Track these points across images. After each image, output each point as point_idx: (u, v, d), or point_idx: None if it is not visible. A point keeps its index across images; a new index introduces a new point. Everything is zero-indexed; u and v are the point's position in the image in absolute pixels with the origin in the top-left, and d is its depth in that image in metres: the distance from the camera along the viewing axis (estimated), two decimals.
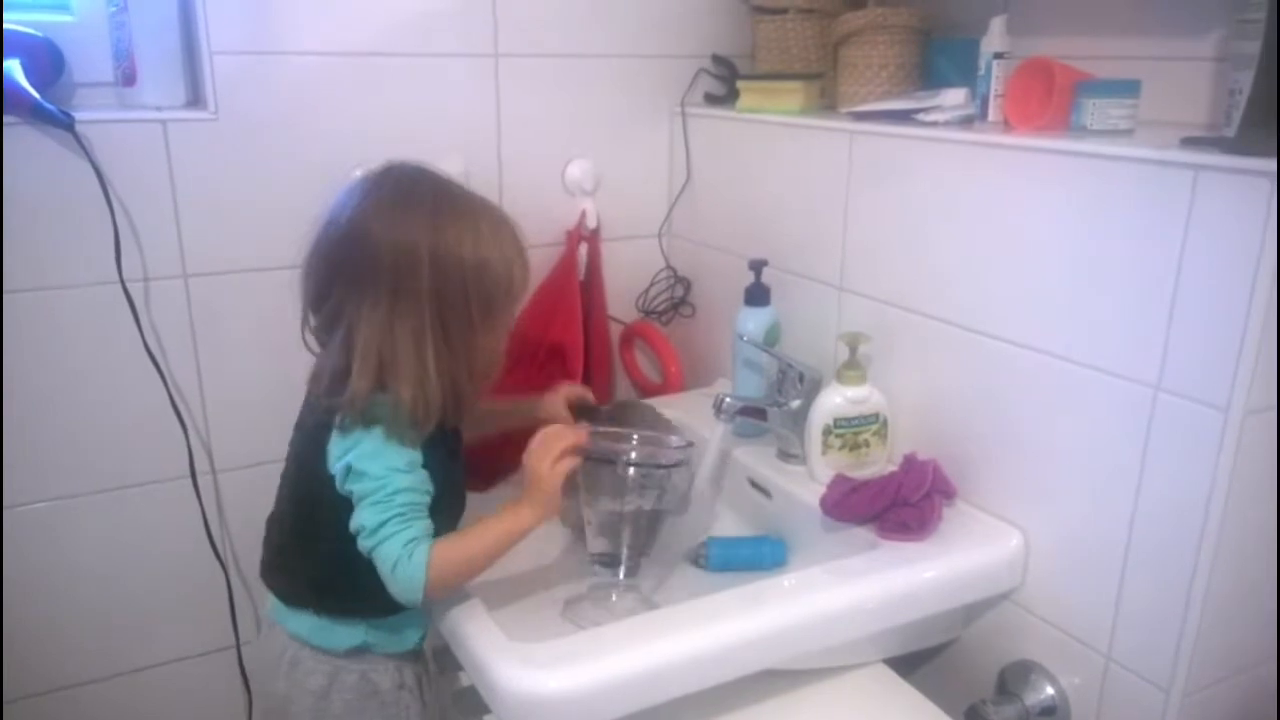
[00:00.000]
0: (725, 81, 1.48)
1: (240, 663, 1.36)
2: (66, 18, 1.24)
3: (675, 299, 1.56)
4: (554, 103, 1.42)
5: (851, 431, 1.15)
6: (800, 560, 1.04)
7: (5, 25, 1.16)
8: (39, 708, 1.28)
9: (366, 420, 0.89)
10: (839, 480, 1.12)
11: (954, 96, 1.12)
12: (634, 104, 1.47)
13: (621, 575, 1.07)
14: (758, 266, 1.27)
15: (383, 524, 0.89)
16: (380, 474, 0.89)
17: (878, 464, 1.17)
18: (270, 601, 1.04)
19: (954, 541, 1.04)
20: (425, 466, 0.92)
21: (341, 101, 1.27)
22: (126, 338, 1.20)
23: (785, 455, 1.24)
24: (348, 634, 0.99)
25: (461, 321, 0.91)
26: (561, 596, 1.08)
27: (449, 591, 0.94)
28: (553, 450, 0.96)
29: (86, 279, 1.17)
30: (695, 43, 1.47)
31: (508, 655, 0.87)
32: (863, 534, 1.07)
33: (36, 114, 1.09)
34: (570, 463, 0.97)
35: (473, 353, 0.93)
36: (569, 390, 1.19)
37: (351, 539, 0.91)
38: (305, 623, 1.00)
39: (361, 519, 0.90)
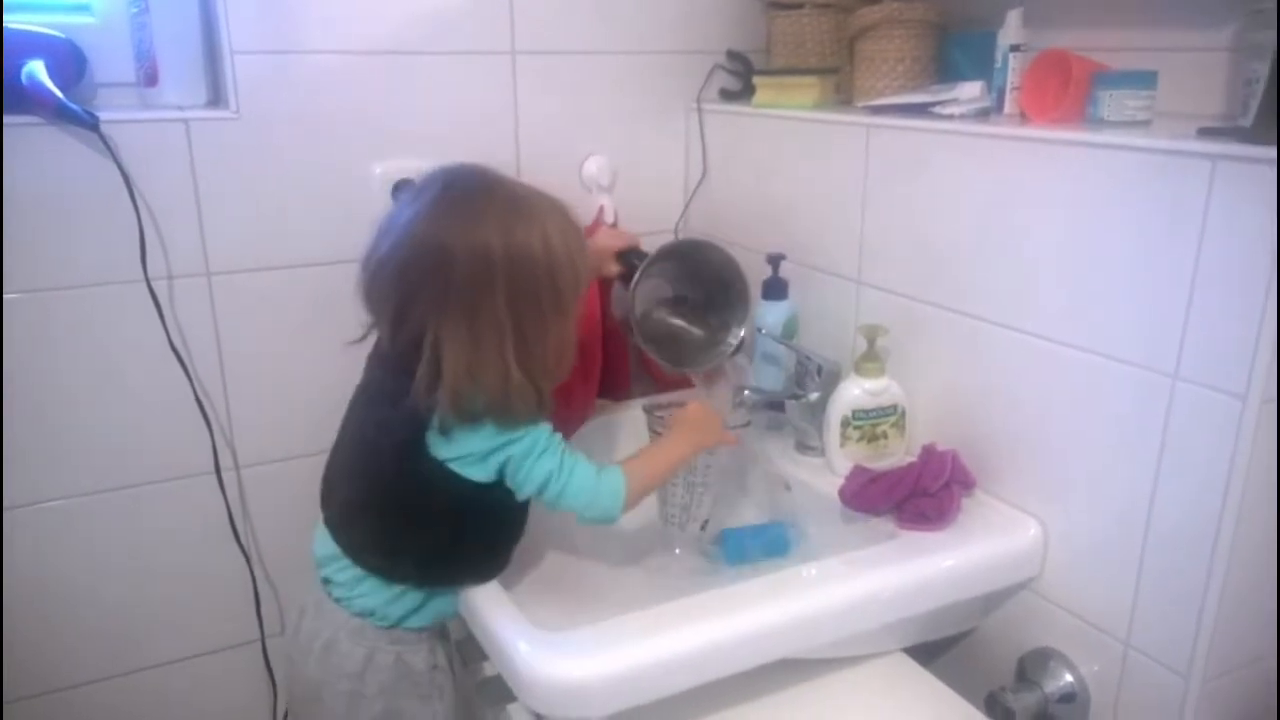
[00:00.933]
0: (741, 77, 1.48)
1: (265, 656, 1.38)
2: (88, 19, 1.26)
3: None
4: (571, 99, 1.43)
5: (870, 423, 1.16)
6: (820, 551, 1.05)
7: (28, 27, 1.17)
8: (65, 701, 1.30)
9: (474, 417, 0.93)
10: (857, 471, 1.13)
11: (970, 90, 1.13)
12: (650, 100, 1.48)
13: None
14: (775, 260, 1.28)
15: (561, 462, 0.97)
16: (521, 433, 0.95)
17: (896, 455, 1.18)
18: (315, 587, 1.06)
19: (973, 531, 1.05)
20: None
21: (361, 99, 1.29)
22: (152, 335, 1.21)
23: (804, 447, 1.25)
24: (434, 608, 1.03)
25: (536, 318, 0.94)
26: (584, 582, 1.09)
27: (637, 502, 1.02)
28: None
29: (112, 277, 1.19)
30: (711, 38, 1.48)
31: (533, 642, 0.88)
32: (882, 524, 1.08)
33: (61, 114, 1.11)
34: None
35: (548, 346, 0.96)
36: (611, 239, 1.25)
37: (464, 515, 0.98)
38: (371, 599, 1.01)
39: (541, 470, 0.96)
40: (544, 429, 0.97)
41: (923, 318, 1.16)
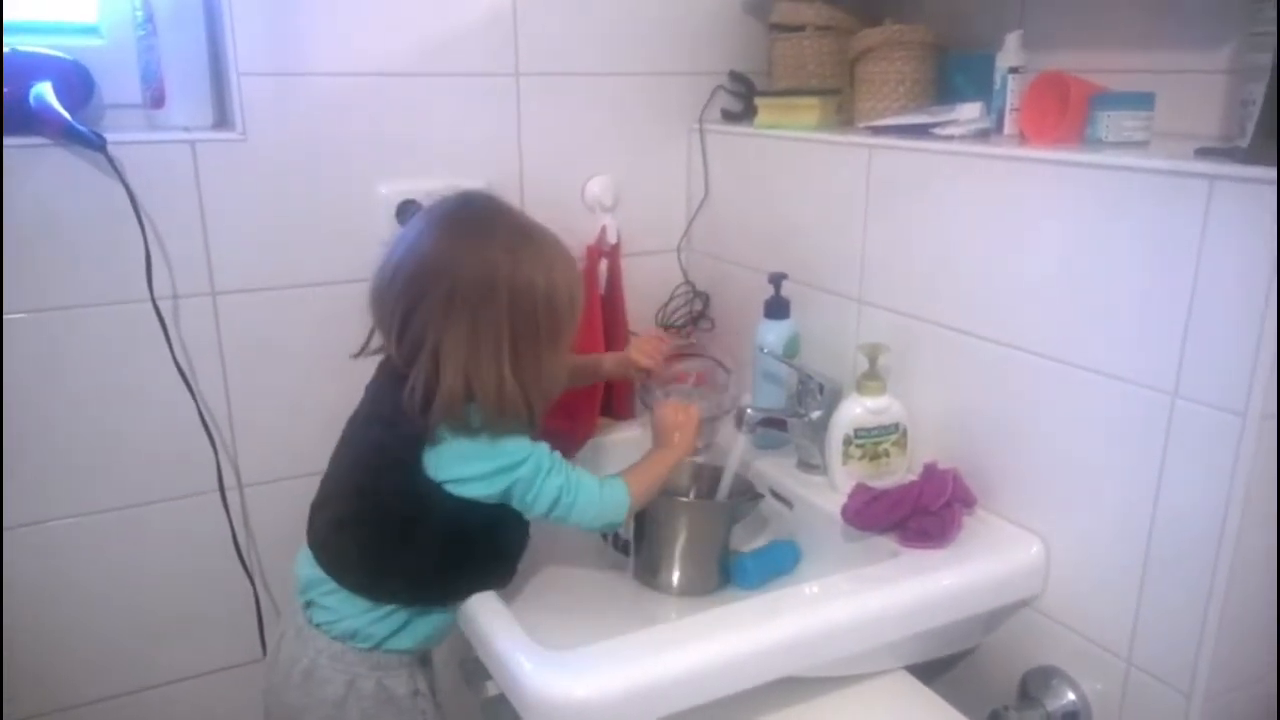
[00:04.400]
0: (742, 98, 1.50)
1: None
2: (97, 41, 1.27)
3: (694, 313, 1.58)
4: (574, 120, 1.44)
5: (872, 441, 1.16)
6: (822, 569, 1.05)
7: (37, 49, 1.19)
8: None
9: (470, 430, 0.96)
10: (860, 489, 1.14)
11: (970, 111, 1.14)
12: (653, 121, 1.49)
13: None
14: (777, 280, 1.28)
15: (567, 479, 1.00)
16: (519, 457, 0.98)
17: (898, 473, 1.18)
18: (295, 612, 1.06)
19: (974, 549, 1.05)
20: None
21: (366, 121, 1.30)
22: (157, 354, 1.22)
23: (806, 466, 1.25)
24: (420, 629, 1.04)
25: (532, 343, 0.97)
26: (586, 603, 1.09)
27: (640, 508, 1.08)
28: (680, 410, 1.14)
29: (118, 297, 1.19)
30: (713, 60, 1.49)
31: (537, 661, 0.88)
32: (884, 543, 1.08)
33: (69, 135, 1.12)
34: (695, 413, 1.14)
35: (541, 371, 0.99)
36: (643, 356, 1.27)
37: (456, 535, 0.99)
38: (378, 623, 1.02)
39: (548, 490, 0.99)
40: (543, 449, 1.00)
41: (923, 336, 1.16)
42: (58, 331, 1.18)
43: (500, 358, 0.95)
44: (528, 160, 1.42)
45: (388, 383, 1.01)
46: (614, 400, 1.49)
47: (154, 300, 1.19)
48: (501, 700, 0.95)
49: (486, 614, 0.98)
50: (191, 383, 1.25)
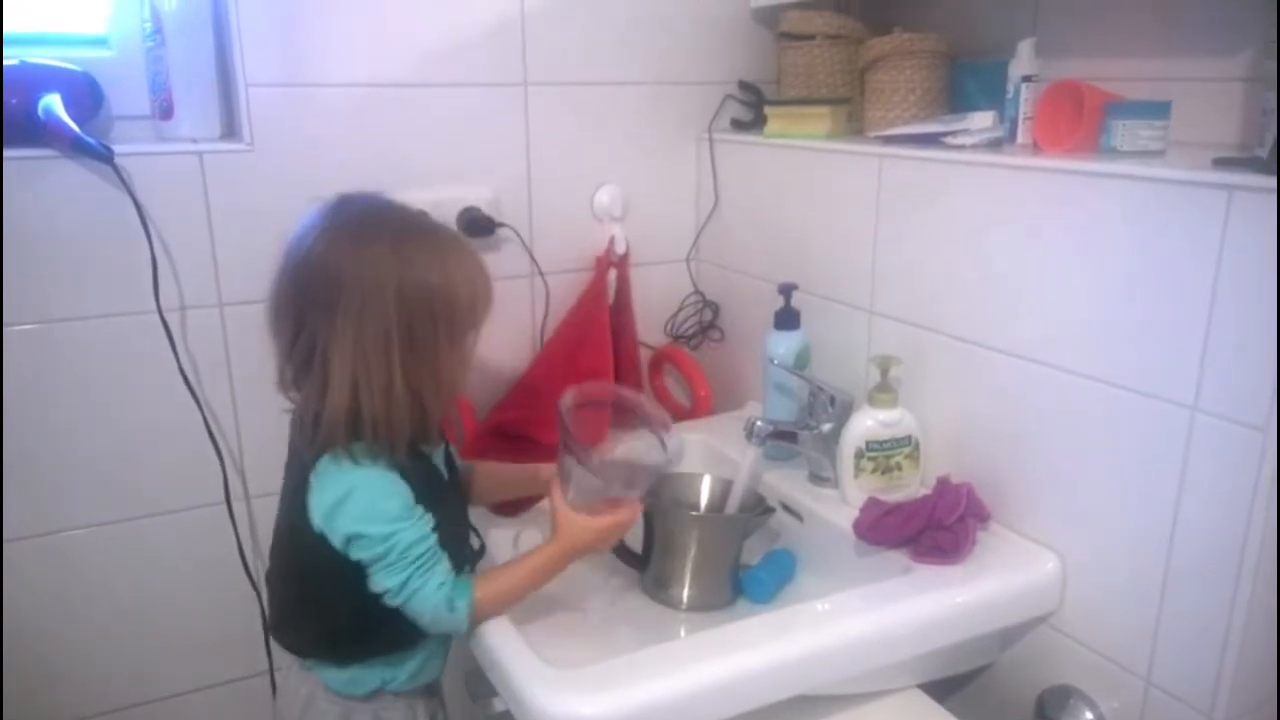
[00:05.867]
0: (752, 107, 1.49)
1: (274, 687, 1.37)
2: (106, 53, 1.27)
3: (704, 323, 1.57)
4: (583, 130, 1.43)
5: (884, 454, 1.15)
6: (833, 585, 1.04)
7: (46, 61, 1.19)
8: None
9: (350, 456, 0.90)
10: (872, 503, 1.12)
11: (982, 120, 1.12)
12: (662, 130, 1.48)
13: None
14: (787, 290, 1.27)
15: (405, 583, 0.91)
16: (382, 533, 0.90)
17: (910, 487, 1.17)
18: None
19: (989, 565, 1.04)
20: (417, 501, 0.93)
21: (373, 132, 1.29)
22: (163, 365, 1.22)
23: (817, 479, 1.24)
24: (368, 677, 1.00)
25: (428, 344, 0.92)
26: (594, 618, 1.08)
27: (488, 618, 0.96)
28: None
29: (125, 308, 1.19)
30: (722, 69, 1.48)
31: (544, 681, 0.87)
32: (896, 558, 1.06)
33: (77, 147, 1.12)
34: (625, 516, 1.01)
35: (439, 373, 0.93)
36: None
37: (362, 591, 0.93)
38: (325, 672, 1.01)
39: (382, 583, 0.92)
40: (407, 531, 0.91)
41: (936, 348, 1.15)
42: (64, 342, 1.18)
43: (390, 364, 0.89)
44: (536, 170, 1.42)
45: (292, 420, 0.97)
46: None
47: (161, 312, 1.19)
48: (507, 716, 0.94)
49: (492, 629, 0.96)
50: (198, 394, 1.25)
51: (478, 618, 0.95)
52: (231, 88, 1.24)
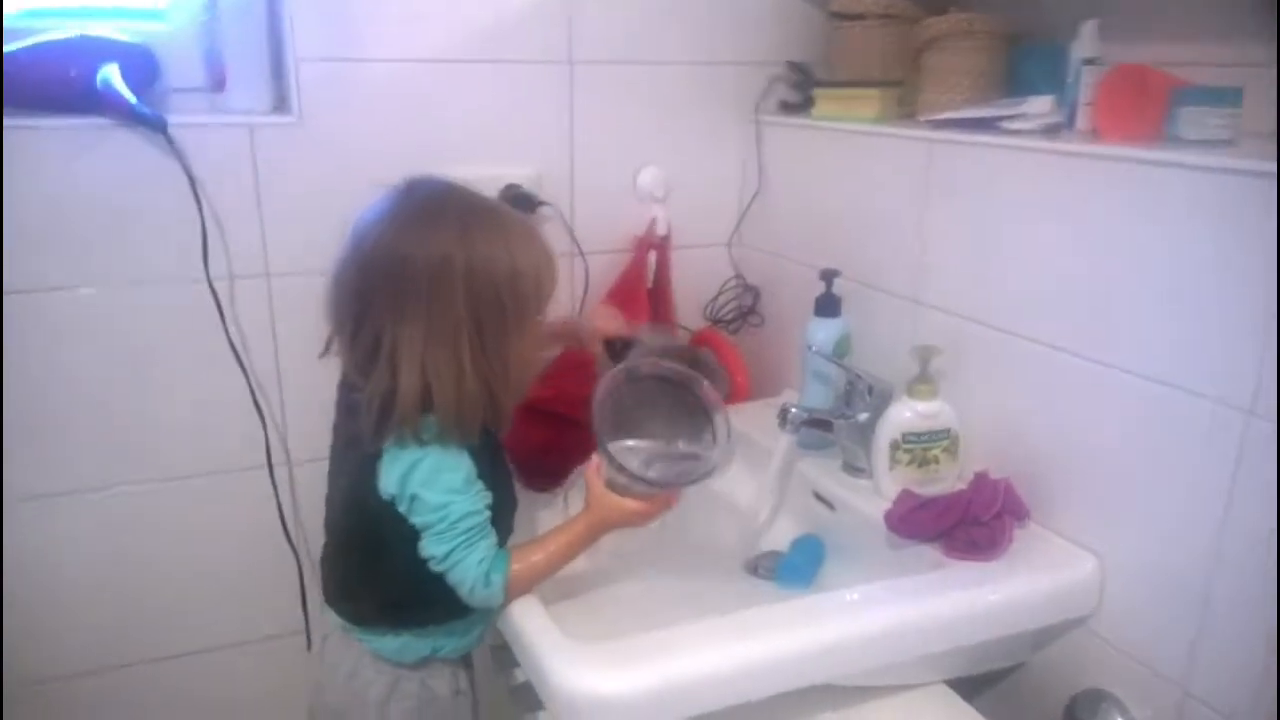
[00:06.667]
0: (801, 89, 1.46)
1: (310, 647, 1.40)
2: (163, 26, 1.29)
3: (744, 308, 1.55)
4: (627, 109, 1.42)
5: (921, 447, 1.12)
6: (863, 576, 1.02)
7: (105, 34, 1.21)
8: (117, 679, 1.34)
9: (419, 440, 0.91)
10: (906, 496, 1.10)
11: (1040, 104, 1.09)
12: (707, 111, 1.47)
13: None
14: (829, 276, 1.25)
15: (450, 553, 0.93)
16: (439, 501, 0.92)
17: (947, 481, 1.14)
18: (333, 618, 1.07)
19: (1025, 563, 1.01)
20: (479, 478, 0.94)
21: (419, 107, 1.30)
22: (211, 333, 1.24)
23: (851, 469, 1.22)
24: (421, 645, 1.02)
25: (497, 329, 0.92)
26: (622, 593, 1.07)
27: (524, 593, 0.98)
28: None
29: (175, 276, 1.22)
30: (770, 49, 1.46)
31: (565, 654, 0.88)
32: (929, 553, 1.05)
33: (132, 116, 1.14)
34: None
35: (508, 359, 0.94)
36: (605, 323, 1.19)
37: (421, 559, 0.94)
38: (378, 641, 1.02)
39: (429, 549, 0.93)
40: (463, 503, 0.93)
41: (981, 339, 1.12)
42: (114, 308, 1.21)
43: (460, 350, 0.89)
44: (579, 149, 1.41)
45: (348, 403, 0.97)
46: None
47: (210, 280, 1.21)
48: (529, 687, 0.95)
49: (517, 604, 0.97)
50: (244, 361, 1.27)
51: (513, 591, 0.95)
52: (281, 61, 1.26)
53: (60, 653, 1.30)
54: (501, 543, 0.97)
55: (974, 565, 1.01)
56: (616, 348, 1.17)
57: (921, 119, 1.22)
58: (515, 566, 0.95)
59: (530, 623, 0.93)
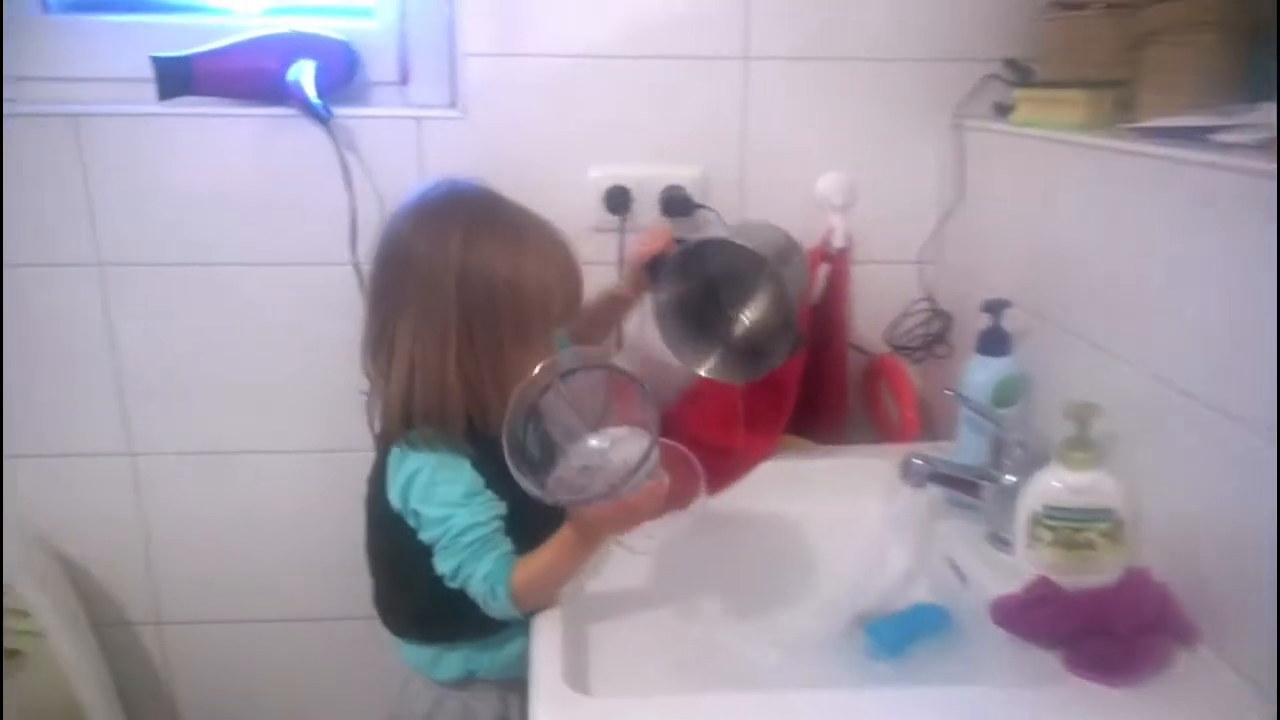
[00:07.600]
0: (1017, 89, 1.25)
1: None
2: (370, 23, 1.38)
3: (931, 335, 1.37)
4: (807, 109, 1.31)
5: (1069, 526, 0.92)
6: (965, 667, 0.85)
7: (314, 30, 1.31)
8: (217, 630, 1.45)
9: (412, 443, 0.90)
10: (1040, 583, 0.91)
11: (1265, 113, 0.84)
12: (899, 112, 1.31)
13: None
14: (996, 308, 1.06)
15: (458, 569, 0.91)
16: (438, 516, 0.90)
17: (1107, 573, 0.92)
18: None
19: (1171, 699, 0.79)
20: (489, 486, 0.90)
21: (582, 103, 1.28)
22: (351, 314, 1.30)
23: (995, 539, 1.03)
24: (452, 661, 1.01)
25: (491, 336, 0.90)
26: (675, 645, 0.98)
27: (545, 603, 0.92)
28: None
29: (324, 259, 1.28)
30: (976, 44, 1.27)
31: (556, 703, 0.80)
32: (1057, 660, 0.85)
33: (305, 109, 1.23)
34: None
35: (503, 367, 0.91)
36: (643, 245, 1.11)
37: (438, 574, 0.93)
38: (414, 653, 1.03)
39: (439, 566, 0.92)
40: (465, 515, 0.90)
41: (1175, 409, 0.88)
42: (268, 284, 1.30)
43: (445, 354, 0.88)
44: (751, 151, 1.32)
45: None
46: (816, 415, 1.34)
47: (356, 264, 1.27)
48: None
49: (541, 626, 0.91)
50: None
51: (523, 602, 0.91)
52: (452, 56, 1.29)
53: (163, 601, 1.42)
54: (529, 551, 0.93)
55: (1098, 689, 0.80)
56: (657, 267, 1.08)
57: (1123, 126, 0.99)
58: (516, 576, 0.91)
59: (540, 662, 0.86)
